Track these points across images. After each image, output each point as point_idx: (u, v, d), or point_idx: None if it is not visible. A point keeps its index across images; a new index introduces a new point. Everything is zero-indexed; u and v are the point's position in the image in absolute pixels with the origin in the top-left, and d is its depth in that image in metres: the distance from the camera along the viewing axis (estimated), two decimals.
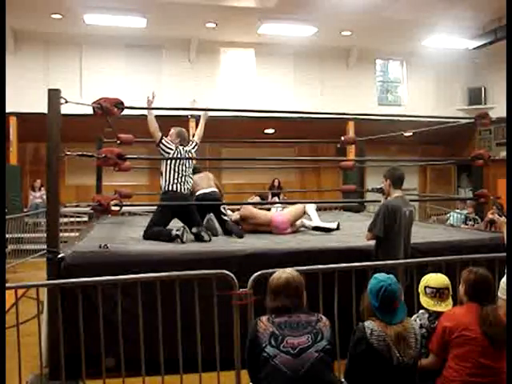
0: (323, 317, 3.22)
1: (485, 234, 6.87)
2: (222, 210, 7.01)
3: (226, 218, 6.98)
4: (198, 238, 6.15)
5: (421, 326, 3.67)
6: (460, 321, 3.45)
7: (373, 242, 5.06)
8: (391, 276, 3.42)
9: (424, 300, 3.83)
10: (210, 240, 6.18)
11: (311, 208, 7.29)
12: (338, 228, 7.09)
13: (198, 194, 7.05)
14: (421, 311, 3.88)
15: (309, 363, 2.96)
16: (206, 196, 7.05)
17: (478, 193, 6.98)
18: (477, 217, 12.06)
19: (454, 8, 13.04)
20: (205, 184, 7.28)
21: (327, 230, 7.05)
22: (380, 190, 5.39)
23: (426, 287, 3.84)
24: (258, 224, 7.04)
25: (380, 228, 4.85)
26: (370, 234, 4.99)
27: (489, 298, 3.57)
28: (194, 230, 6.23)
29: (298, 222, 7.21)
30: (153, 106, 6.61)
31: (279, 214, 7.29)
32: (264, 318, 3.13)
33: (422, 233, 6.56)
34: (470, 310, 3.50)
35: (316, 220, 7.24)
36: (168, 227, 6.34)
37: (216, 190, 7.32)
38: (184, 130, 6.93)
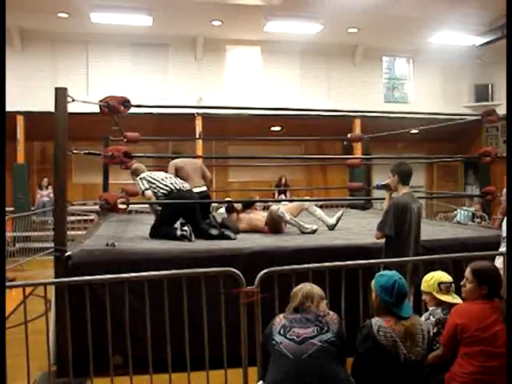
0: (331, 312, 3.37)
1: (491, 231, 6.85)
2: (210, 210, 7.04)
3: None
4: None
5: (437, 323, 3.68)
6: (473, 319, 3.42)
7: (381, 240, 4.98)
8: (395, 271, 3.46)
9: (442, 297, 3.83)
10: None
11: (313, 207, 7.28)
12: (337, 223, 7.09)
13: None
14: (431, 308, 3.88)
15: (311, 351, 3.11)
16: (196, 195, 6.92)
17: (484, 190, 6.95)
18: (484, 214, 12.05)
19: (460, 5, 12.98)
20: (196, 180, 7.25)
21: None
22: (385, 187, 5.17)
23: (439, 284, 3.85)
24: (257, 227, 6.99)
25: (390, 227, 4.71)
26: (379, 233, 4.84)
27: (500, 294, 3.57)
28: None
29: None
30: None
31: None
32: (281, 314, 3.43)
33: (429, 230, 6.53)
34: (483, 306, 3.48)
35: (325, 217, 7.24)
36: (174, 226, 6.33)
37: (206, 188, 7.29)
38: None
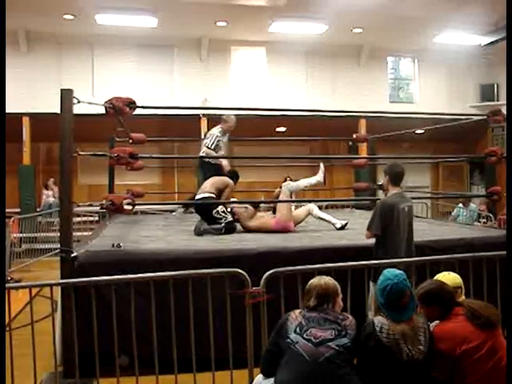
0: (350, 316, 3.37)
1: (497, 232, 6.83)
2: (215, 215, 6.92)
3: (219, 221, 6.93)
4: None
5: None
6: (456, 336, 3.26)
7: (371, 240, 5.02)
8: (401, 273, 3.40)
9: None
10: None
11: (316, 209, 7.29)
12: (343, 227, 7.06)
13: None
14: None
15: (328, 354, 3.10)
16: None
17: (490, 190, 6.92)
18: (490, 214, 11.99)
19: (465, 4, 12.96)
20: (202, 188, 7.32)
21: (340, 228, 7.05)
22: (381, 187, 5.35)
23: None
24: (266, 226, 7.00)
25: (377, 226, 4.84)
26: (368, 232, 4.99)
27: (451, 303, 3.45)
28: None
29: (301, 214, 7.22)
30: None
31: (277, 221, 6.96)
32: (297, 310, 3.42)
33: (434, 230, 6.52)
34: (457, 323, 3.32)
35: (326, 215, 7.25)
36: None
37: (209, 195, 7.14)
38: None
